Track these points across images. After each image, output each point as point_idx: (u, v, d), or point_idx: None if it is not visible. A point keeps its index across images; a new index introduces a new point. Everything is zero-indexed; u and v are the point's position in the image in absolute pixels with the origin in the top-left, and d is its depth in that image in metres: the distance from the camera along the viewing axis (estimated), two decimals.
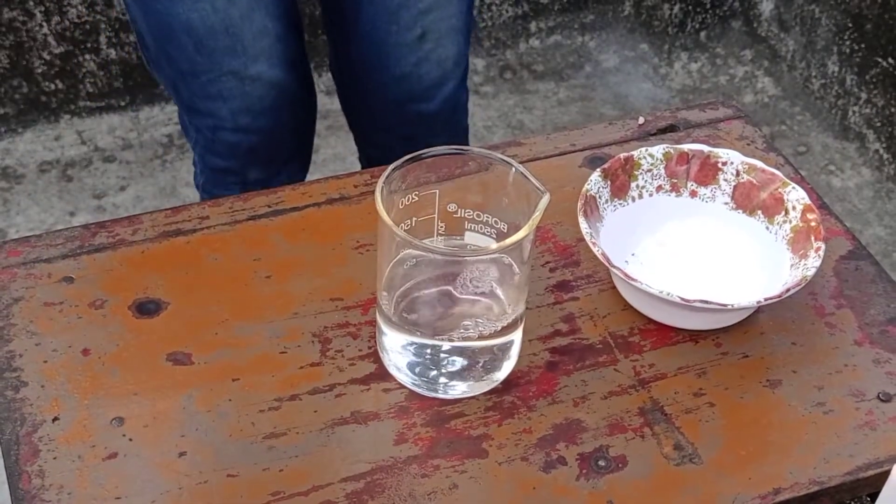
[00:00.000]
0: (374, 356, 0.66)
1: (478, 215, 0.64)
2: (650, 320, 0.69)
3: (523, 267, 0.62)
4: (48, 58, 1.80)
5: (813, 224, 0.68)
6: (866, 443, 0.63)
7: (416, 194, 0.63)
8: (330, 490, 0.59)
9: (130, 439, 0.61)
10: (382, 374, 0.65)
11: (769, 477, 0.61)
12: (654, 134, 0.81)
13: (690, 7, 2.06)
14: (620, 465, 0.61)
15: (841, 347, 0.68)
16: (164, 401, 0.63)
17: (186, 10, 1.01)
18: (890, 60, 1.78)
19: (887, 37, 1.77)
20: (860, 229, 1.80)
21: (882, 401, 0.65)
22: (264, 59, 1.04)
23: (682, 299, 0.64)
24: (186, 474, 0.59)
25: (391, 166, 0.62)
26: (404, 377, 0.64)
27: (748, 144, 0.80)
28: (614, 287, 0.71)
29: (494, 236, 0.64)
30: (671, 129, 0.81)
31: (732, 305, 0.64)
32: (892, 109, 1.80)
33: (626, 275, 0.65)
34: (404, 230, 0.63)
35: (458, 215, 0.64)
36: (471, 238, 0.65)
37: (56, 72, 1.79)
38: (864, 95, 1.85)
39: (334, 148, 1.90)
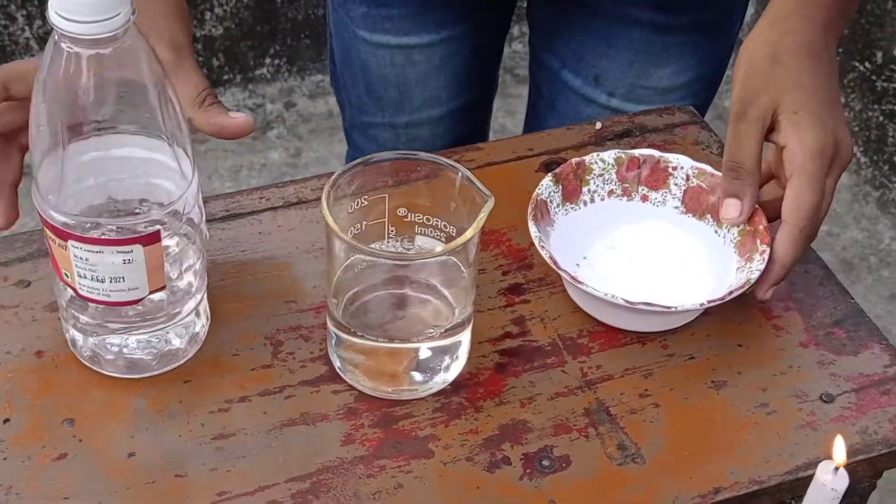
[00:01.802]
0: (325, 358, 0.67)
1: (427, 219, 0.65)
2: (599, 323, 0.70)
3: (470, 269, 0.63)
4: None
5: (760, 227, 0.69)
6: (807, 443, 0.64)
7: (365, 198, 0.64)
8: (276, 490, 0.60)
9: (81, 440, 0.62)
10: (332, 377, 0.66)
11: (710, 476, 0.62)
12: (611, 139, 0.82)
13: None
14: (564, 465, 0.62)
15: (786, 349, 0.69)
16: (115, 403, 0.64)
17: (366, 51, 0.99)
18: (867, 64, 1.79)
19: (864, 41, 1.79)
20: (838, 232, 1.81)
21: (824, 402, 0.66)
22: (429, 127, 1.02)
23: (627, 302, 0.65)
24: (135, 474, 0.60)
25: (338, 171, 0.63)
26: (353, 379, 0.65)
27: (703, 149, 0.82)
28: (565, 290, 0.72)
29: (444, 239, 0.65)
30: (628, 133, 0.82)
31: (675, 308, 0.65)
32: (869, 113, 1.81)
33: (573, 278, 0.66)
34: (354, 234, 0.64)
35: (409, 219, 0.66)
36: (421, 241, 0.66)
37: None
38: (842, 99, 1.86)
39: (317, 151, 1.91)
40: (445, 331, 0.64)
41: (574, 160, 0.73)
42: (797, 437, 0.64)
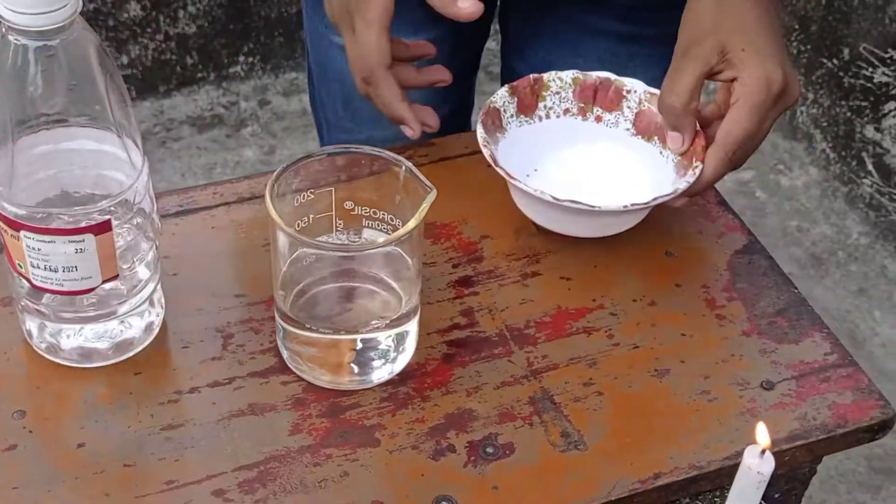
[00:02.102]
0: (275, 350, 0.68)
1: (374, 212, 0.66)
2: (546, 313, 0.71)
3: (415, 260, 0.64)
4: None
5: (698, 148, 0.72)
6: (747, 429, 0.65)
7: (311, 192, 0.65)
8: (223, 479, 0.61)
9: (31, 431, 0.63)
10: (282, 368, 0.67)
11: (651, 462, 0.63)
12: None
13: None
14: (508, 452, 0.63)
15: (729, 338, 0.70)
16: (66, 395, 0.65)
17: (342, 59, 0.95)
18: (834, 61, 1.81)
19: (831, 38, 1.80)
20: (807, 227, 1.83)
21: (765, 389, 0.67)
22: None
23: (553, 198, 0.68)
24: (84, 464, 0.61)
25: (282, 166, 0.64)
26: (302, 371, 0.66)
27: None
28: (514, 282, 0.73)
29: (390, 232, 0.66)
30: None
31: (599, 208, 0.69)
32: (837, 109, 1.83)
33: (507, 174, 0.70)
34: (301, 227, 0.65)
35: (356, 213, 0.67)
36: (368, 234, 0.67)
37: None
38: (810, 96, 1.88)
39: (291, 149, 1.92)
40: (392, 321, 0.65)
41: (532, 76, 0.77)
42: (737, 423, 0.65)
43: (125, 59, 1.88)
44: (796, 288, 0.73)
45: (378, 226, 0.67)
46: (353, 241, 0.67)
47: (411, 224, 0.61)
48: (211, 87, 1.98)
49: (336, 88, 1.00)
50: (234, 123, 1.95)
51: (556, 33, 0.94)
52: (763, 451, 0.52)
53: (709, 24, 0.71)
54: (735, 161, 0.70)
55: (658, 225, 0.77)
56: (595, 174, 0.77)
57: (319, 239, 0.66)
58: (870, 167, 1.79)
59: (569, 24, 0.93)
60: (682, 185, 0.70)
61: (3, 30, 0.57)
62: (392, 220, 0.66)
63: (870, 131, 1.77)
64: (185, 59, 1.93)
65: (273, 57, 2.00)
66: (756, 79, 0.69)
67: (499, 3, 0.99)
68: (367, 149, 0.66)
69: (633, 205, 0.69)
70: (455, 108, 1.04)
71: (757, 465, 0.51)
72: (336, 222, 0.67)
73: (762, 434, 0.51)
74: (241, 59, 1.97)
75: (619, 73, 0.93)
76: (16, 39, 0.56)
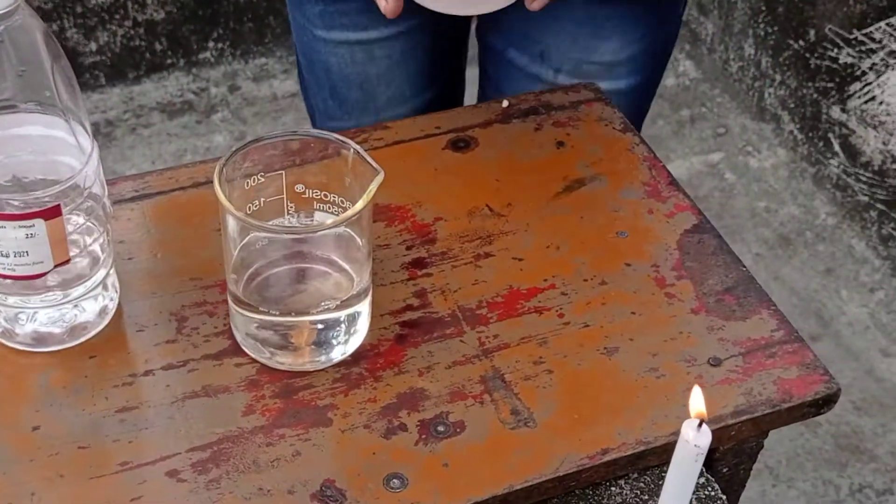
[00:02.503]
0: (229, 332, 0.68)
1: (325, 195, 0.67)
2: (498, 293, 0.72)
3: (365, 241, 0.65)
4: None
5: None
6: None
7: (261, 176, 0.66)
8: (176, 459, 0.62)
9: None
10: (235, 350, 0.68)
11: (599, 438, 0.64)
12: (518, 117, 0.84)
13: None
14: (458, 430, 0.64)
15: (678, 316, 0.71)
16: (22, 379, 0.65)
17: (326, 51, 0.98)
18: (801, 42, 1.82)
19: (798, 19, 1.81)
20: (775, 208, 1.84)
21: (712, 365, 0.68)
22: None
23: None
24: (38, 447, 0.62)
25: (231, 150, 0.64)
26: (256, 352, 0.67)
27: (606, 125, 0.84)
28: (467, 263, 0.74)
29: (341, 214, 0.67)
30: (534, 111, 0.84)
31: None
32: (804, 91, 1.85)
33: None
34: (253, 210, 0.66)
35: (307, 196, 0.67)
36: (320, 217, 0.68)
37: None
38: (778, 77, 1.89)
39: (261, 134, 1.92)
40: (343, 302, 0.66)
41: None
42: (684, 399, 0.66)
43: (94, 46, 1.88)
44: (744, 266, 0.74)
45: (329, 208, 0.67)
46: (306, 223, 0.68)
47: (359, 205, 0.62)
48: (181, 73, 1.97)
49: (322, 78, 1.01)
50: (204, 109, 1.95)
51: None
52: (700, 424, 0.53)
53: None
54: None
55: (609, 205, 0.78)
56: None
57: (271, 222, 0.67)
58: (836, 148, 1.81)
59: None
60: None
61: None
62: (343, 203, 0.67)
63: (836, 112, 1.79)
64: (154, 46, 1.93)
65: (243, 42, 1.99)
66: None
67: None
68: (315, 132, 0.66)
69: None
70: (443, 93, 1.04)
71: (694, 439, 0.52)
72: (287, 205, 0.68)
73: (697, 400, 0.52)
74: (211, 44, 1.97)
75: (595, 39, 0.91)
76: None
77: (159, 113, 1.93)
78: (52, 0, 1.80)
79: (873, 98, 1.73)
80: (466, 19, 1.03)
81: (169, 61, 1.95)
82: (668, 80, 2.03)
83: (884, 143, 1.73)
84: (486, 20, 1.00)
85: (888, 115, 1.72)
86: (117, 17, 1.87)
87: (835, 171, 1.82)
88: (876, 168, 1.75)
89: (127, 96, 1.93)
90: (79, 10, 1.83)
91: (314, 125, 1.09)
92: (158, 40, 1.92)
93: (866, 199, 1.77)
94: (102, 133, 1.87)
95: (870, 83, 1.72)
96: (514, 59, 0.97)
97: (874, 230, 1.76)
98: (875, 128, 1.73)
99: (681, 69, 2.07)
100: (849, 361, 1.62)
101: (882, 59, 1.69)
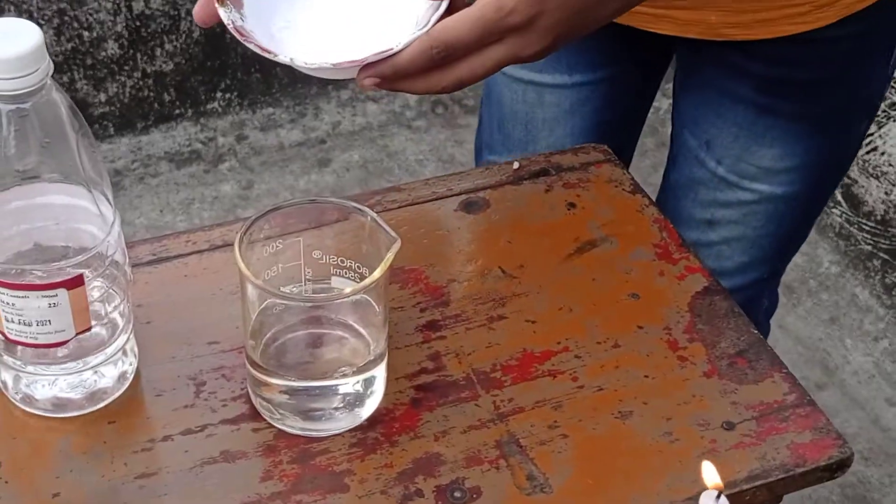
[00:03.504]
0: (246, 397, 0.69)
1: (342, 261, 0.68)
2: (512, 356, 0.72)
3: (382, 306, 0.66)
4: None
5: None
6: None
7: (280, 242, 0.67)
8: None
9: (7, 482, 0.64)
10: (253, 415, 0.68)
11: (614, 503, 0.65)
12: (528, 178, 0.85)
13: None
14: (475, 496, 0.65)
15: (691, 379, 0.72)
16: (41, 445, 0.66)
17: (503, 84, 0.99)
18: None
19: None
20: None
21: (725, 429, 0.69)
22: None
23: (291, 60, 0.64)
24: None
25: (252, 217, 0.65)
26: (273, 417, 0.68)
27: (616, 186, 0.85)
28: (480, 325, 0.74)
29: (358, 280, 0.68)
30: (544, 172, 0.86)
31: (308, 65, 0.64)
32: None
33: (247, 38, 0.65)
34: (270, 276, 0.67)
35: (324, 261, 0.68)
36: (337, 282, 0.69)
37: None
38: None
39: (268, 183, 1.94)
40: (360, 367, 0.66)
41: None
42: (699, 464, 0.66)
43: (103, 97, 1.90)
44: (756, 329, 0.75)
45: (346, 274, 0.68)
46: (322, 289, 0.69)
47: (377, 274, 0.63)
48: (189, 123, 1.99)
49: (494, 110, 1.03)
50: (211, 159, 1.96)
51: (702, 90, 0.94)
52: (719, 495, 0.54)
53: None
54: (436, 61, 0.64)
55: (620, 267, 0.79)
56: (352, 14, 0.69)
57: (288, 289, 0.68)
58: (839, 197, 1.82)
59: (711, 84, 0.93)
60: (394, 45, 0.64)
61: None
62: (359, 269, 0.68)
63: None
64: (163, 96, 1.95)
65: (250, 92, 2.01)
66: None
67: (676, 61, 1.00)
68: (334, 199, 0.67)
69: (335, 64, 0.64)
70: (614, 150, 1.04)
71: None
72: (304, 271, 0.69)
73: (709, 472, 0.52)
74: (219, 95, 1.99)
75: (755, 144, 0.91)
76: None
77: (167, 162, 1.94)
78: (62, 52, 1.82)
79: (875, 149, 1.74)
80: (640, 96, 1.04)
81: (177, 111, 1.97)
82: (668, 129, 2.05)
83: (886, 194, 1.74)
84: (674, 96, 1.00)
85: (890, 165, 1.73)
86: (126, 68, 1.89)
87: (837, 220, 1.83)
88: (879, 218, 1.76)
89: (135, 146, 1.95)
90: (89, 62, 1.85)
91: (477, 159, 1.11)
92: (167, 91, 1.94)
93: (869, 248, 1.78)
94: (111, 182, 1.88)
95: (871, 134, 1.73)
96: (687, 140, 0.98)
97: (878, 279, 1.77)
98: (877, 178, 1.75)
99: None
100: (854, 411, 1.63)
101: (883, 111, 1.70)
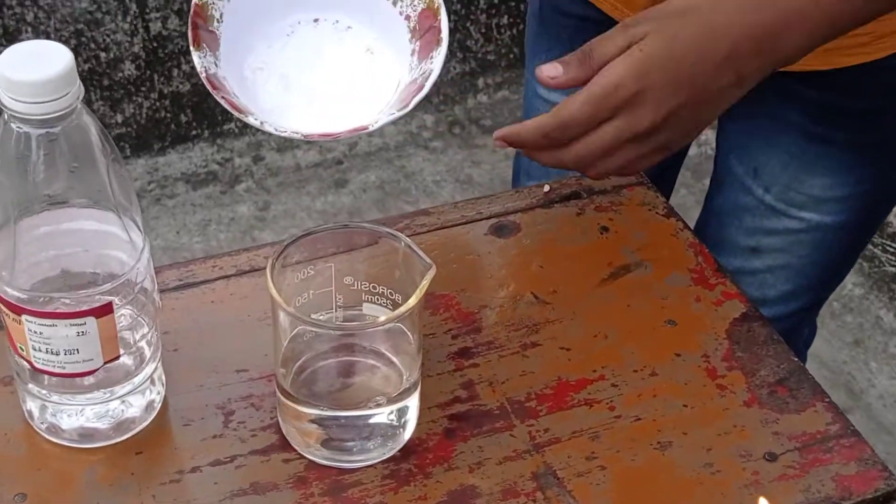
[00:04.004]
0: (276, 427, 0.67)
1: (373, 287, 0.66)
2: (547, 385, 0.71)
3: (415, 335, 0.64)
4: None
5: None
6: (750, 502, 0.65)
7: (311, 268, 0.65)
8: None
9: None
10: (283, 445, 0.67)
11: None
12: (559, 201, 0.84)
13: None
14: None
15: (731, 409, 0.70)
16: (67, 476, 0.64)
17: (542, 109, 0.96)
18: None
19: None
20: None
21: (767, 460, 0.67)
22: None
23: (275, 129, 0.65)
24: None
25: (284, 242, 0.64)
26: (304, 447, 0.66)
27: (649, 210, 0.83)
28: (513, 352, 0.73)
29: (390, 307, 0.66)
30: (576, 195, 0.84)
31: (301, 134, 0.64)
32: None
33: (232, 106, 0.65)
34: (301, 303, 0.66)
35: (355, 287, 0.67)
36: (368, 309, 0.67)
37: None
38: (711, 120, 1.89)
39: (285, 204, 1.93)
40: (393, 398, 0.65)
41: None
42: (741, 496, 0.65)
43: (119, 118, 1.89)
44: (795, 357, 0.73)
45: (378, 300, 0.67)
46: (353, 316, 0.67)
47: (412, 301, 0.62)
48: (205, 143, 1.98)
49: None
50: (228, 180, 1.96)
51: (752, 116, 0.93)
52: None
53: (653, 13, 0.68)
54: (554, 139, 0.68)
55: (656, 292, 0.77)
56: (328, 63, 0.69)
57: (321, 316, 0.66)
58: None
59: (762, 110, 0.92)
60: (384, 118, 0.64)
61: (6, 117, 0.57)
62: (392, 295, 0.66)
63: None
64: (180, 117, 1.94)
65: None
66: (613, 74, 0.66)
67: None
68: (366, 224, 0.66)
69: (306, 135, 0.64)
70: (655, 175, 1.01)
71: None
72: (336, 297, 0.67)
73: None
74: (235, 115, 1.98)
75: (805, 172, 0.90)
76: (18, 127, 0.57)
77: (184, 183, 1.93)
78: (79, 74, 1.82)
79: None
80: None
81: (194, 132, 1.96)
82: (691, 150, 2.03)
83: None
84: (720, 121, 0.98)
85: None
86: (143, 89, 1.88)
87: None
88: None
89: (152, 167, 1.94)
90: (106, 82, 1.84)
91: (514, 182, 1.10)
92: (184, 112, 1.94)
93: (894, 270, 1.76)
94: None
95: None
96: (733, 166, 0.97)
97: None
98: None
99: (703, 139, 2.07)
100: (881, 435, 1.60)
101: None
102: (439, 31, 0.69)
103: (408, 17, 0.69)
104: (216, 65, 0.66)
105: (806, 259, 0.97)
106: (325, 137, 0.65)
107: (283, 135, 0.65)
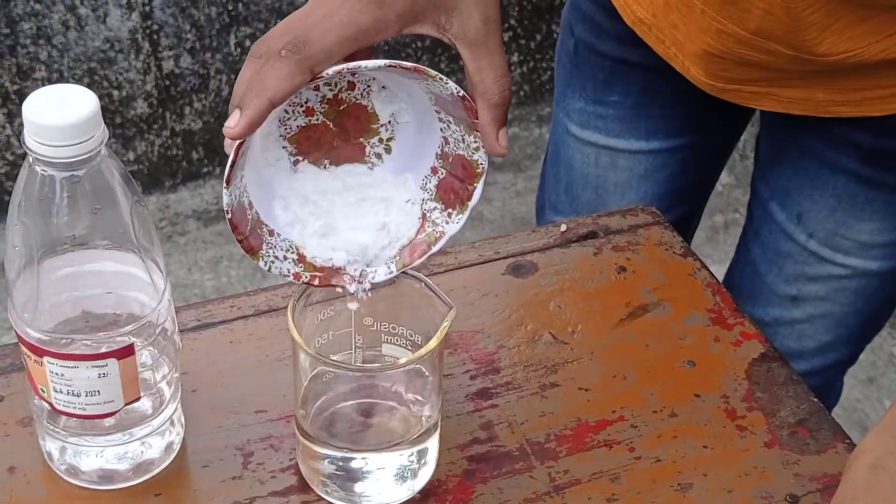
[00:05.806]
0: (295, 468, 0.67)
1: (393, 328, 0.66)
2: (566, 426, 0.70)
3: (436, 376, 0.64)
4: (11, 158, 1.83)
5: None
6: None
7: (331, 309, 0.65)
8: None
9: None
10: (302, 487, 0.66)
11: None
12: (576, 241, 0.84)
13: None
14: None
15: (751, 450, 0.70)
16: None
17: (574, 148, 0.98)
18: None
19: None
20: None
21: (789, 502, 0.67)
22: None
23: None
24: None
25: (303, 285, 0.64)
26: (324, 489, 0.66)
27: (666, 249, 0.83)
28: (532, 393, 0.73)
29: (410, 347, 0.66)
30: (592, 235, 0.84)
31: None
32: None
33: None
34: (321, 344, 0.66)
35: (375, 328, 0.67)
36: (388, 350, 0.67)
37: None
38: None
39: None
40: (413, 439, 0.65)
41: None
42: None
43: (132, 156, 1.90)
44: (815, 397, 0.73)
45: (397, 341, 0.67)
46: (373, 356, 0.67)
47: (432, 343, 0.62)
48: (216, 181, 1.99)
49: (562, 173, 1.02)
50: None
51: (798, 161, 0.92)
52: None
53: (862, 487, 0.60)
54: None
55: (674, 332, 0.77)
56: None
57: (338, 356, 0.66)
58: None
59: (809, 155, 0.91)
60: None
61: (31, 160, 0.57)
62: (411, 336, 0.66)
63: None
64: (191, 154, 1.95)
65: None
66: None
67: (760, 128, 0.99)
68: None
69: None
70: (685, 215, 1.04)
71: None
72: (355, 338, 0.67)
73: None
74: None
75: (853, 217, 0.89)
76: (43, 170, 0.57)
77: (195, 220, 1.94)
78: None
79: None
80: (723, 156, 1.03)
81: (205, 169, 1.97)
82: None
83: None
84: (759, 167, 0.99)
85: None
86: (155, 126, 1.89)
87: None
88: None
89: (163, 204, 1.95)
90: (118, 120, 1.86)
91: (539, 218, 1.09)
92: (195, 149, 1.95)
93: None
94: None
95: None
96: (774, 213, 0.96)
97: None
98: None
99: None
100: None
101: None
102: (470, 197, 0.69)
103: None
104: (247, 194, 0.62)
105: (848, 307, 0.95)
106: (324, 285, 0.64)
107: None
